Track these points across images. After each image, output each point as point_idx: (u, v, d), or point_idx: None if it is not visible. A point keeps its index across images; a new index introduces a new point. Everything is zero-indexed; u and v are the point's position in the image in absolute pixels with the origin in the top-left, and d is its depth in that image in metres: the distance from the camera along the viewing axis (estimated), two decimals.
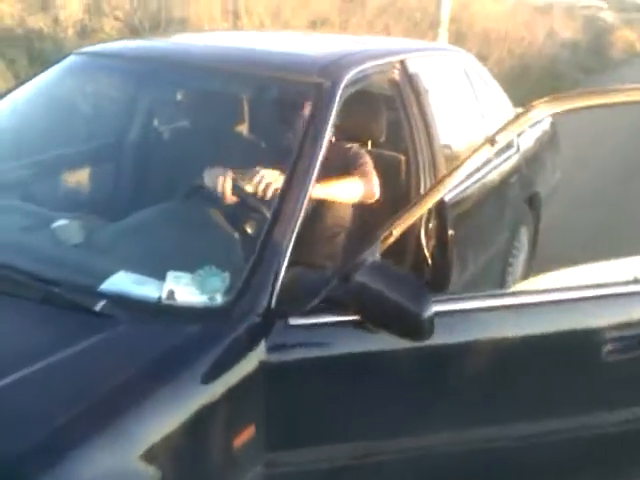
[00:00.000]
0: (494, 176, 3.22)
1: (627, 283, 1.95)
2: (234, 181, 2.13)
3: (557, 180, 4.38)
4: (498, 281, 3.50)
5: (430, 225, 2.62)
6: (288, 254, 1.76)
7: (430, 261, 2.66)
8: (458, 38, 9.94)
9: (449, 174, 1.86)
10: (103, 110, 2.75)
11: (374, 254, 1.73)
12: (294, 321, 1.70)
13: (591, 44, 17.58)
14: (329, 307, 1.71)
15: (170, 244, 1.93)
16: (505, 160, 3.39)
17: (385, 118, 2.71)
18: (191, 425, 1.52)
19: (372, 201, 2.41)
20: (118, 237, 1.99)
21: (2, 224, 2.12)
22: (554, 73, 11.56)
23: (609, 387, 1.93)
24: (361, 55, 2.46)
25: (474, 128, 3.09)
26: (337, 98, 2.15)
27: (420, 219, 2.60)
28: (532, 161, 3.75)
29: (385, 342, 1.70)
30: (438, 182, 1.87)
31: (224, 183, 2.13)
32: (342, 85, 2.19)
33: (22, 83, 2.68)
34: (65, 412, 1.39)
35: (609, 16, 25.59)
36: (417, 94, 2.67)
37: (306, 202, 1.87)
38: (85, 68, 2.61)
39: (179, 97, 2.68)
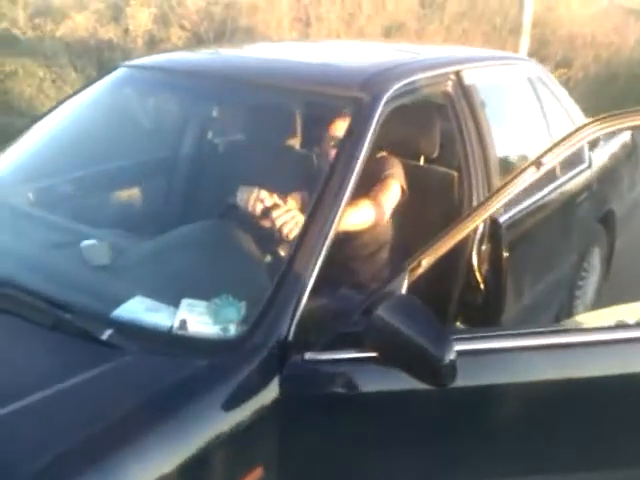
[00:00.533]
0: (560, 193, 3.00)
1: None
2: (264, 200, 2.03)
3: (637, 195, 4.08)
4: (565, 305, 3.27)
5: (483, 247, 2.46)
6: (310, 285, 1.64)
7: (483, 285, 2.49)
8: (542, 43, 9.58)
9: (484, 203, 1.70)
10: (148, 124, 2.71)
11: (399, 287, 1.59)
12: (311, 356, 1.58)
13: None
14: (349, 342, 1.59)
15: (192, 268, 1.85)
16: (574, 176, 3.17)
17: (438, 133, 2.57)
18: (194, 465, 1.42)
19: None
20: (142, 259, 1.93)
21: (35, 240, 2.08)
22: None
23: None
24: (409, 67, 2.31)
25: (537, 143, 2.88)
26: (377, 114, 2.01)
27: (472, 241, 2.44)
28: (607, 176, 3.50)
29: (408, 382, 1.55)
30: (472, 211, 1.70)
31: (254, 203, 2.04)
32: (383, 100, 2.06)
33: (73, 94, 2.67)
34: (60, 444, 1.33)
35: None
36: (472, 107, 2.50)
37: (334, 227, 1.74)
38: (132, 80, 2.58)
39: (217, 112, 2.61)
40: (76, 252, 1.95)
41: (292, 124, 2.42)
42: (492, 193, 1.70)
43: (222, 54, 2.68)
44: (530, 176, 1.70)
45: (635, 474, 1.73)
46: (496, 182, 2.49)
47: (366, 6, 7.38)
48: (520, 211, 2.69)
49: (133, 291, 1.73)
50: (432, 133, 2.56)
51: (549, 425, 1.67)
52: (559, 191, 3.00)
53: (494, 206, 1.69)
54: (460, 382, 1.54)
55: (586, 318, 1.90)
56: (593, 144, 3.46)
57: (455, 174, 2.55)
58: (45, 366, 1.54)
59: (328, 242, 1.71)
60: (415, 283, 2.49)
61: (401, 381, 1.55)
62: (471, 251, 2.44)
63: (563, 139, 1.72)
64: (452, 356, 1.42)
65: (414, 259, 1.65)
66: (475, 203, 2.44)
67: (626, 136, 4.12)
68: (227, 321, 1.62)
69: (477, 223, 1.69)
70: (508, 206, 2.60)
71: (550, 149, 1.71)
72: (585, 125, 1.73)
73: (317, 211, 1.76)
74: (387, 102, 2.08)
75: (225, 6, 6.36)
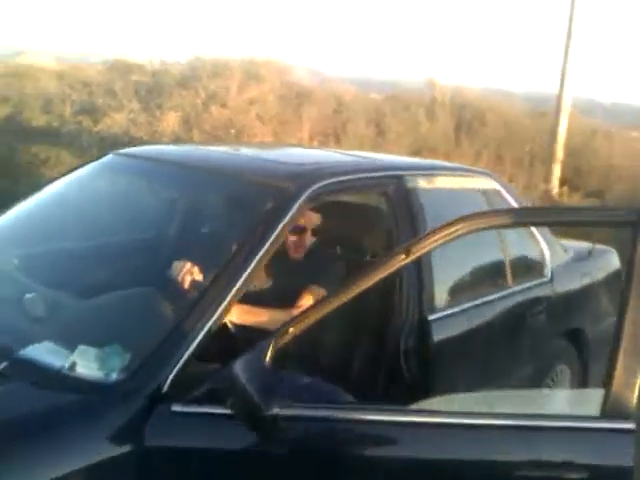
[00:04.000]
0: (510, 302, 3.10)
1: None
2: (193, 274, 2.27)
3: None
4: None
5: (410, 340, 2.59)
6: (192, 347, 1.84)
7: (407, 374, 2.60)
8: (575, 172, 9.78)
9: (350, 284, 1.86)
10: (128, 206, 3.01)
11: (262, 351, 1.74)
12: (177, 408, 1.75)
13: None
14: (214, 398, 1.74)
15: (98, 322, 2.08)
16: (530, 288, 3.27)
17: (383, 232, 2.77)
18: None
19: None
20: (66, 315, 2.17)
21: None
22: None
23: None
24: (343, 167, 2.58)
25: (480, 249, 3.03)
26: (298, 202, 2.24)
27: (400, 333, 2.59)
28: (574, 294, 3.57)
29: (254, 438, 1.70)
30: (337, 292, 1.86)
31: (184, 275, 2.28)
32: (307, 192, 2.28)
33: (65, 174, 3.01)
34: None
35: None
36: (411, 210, 2.70)
37: (228, 302, 1.94)
38: (118, 166, 2.91)
39: (181, 195, 2.94)
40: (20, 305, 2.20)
41: (235, 208, 2.68)
42: (359, 275, 1.86)
43: (197, 148, 3.01)
44: (399, 262, 1.87)
45: None
46: (428, 279, 2.66)
47: (395, 126, 7.82)
48: (458, 313, 2.82)
49: (47, 337, 1.95)
50: (376, 231, 2.77)
51: None
52: (509, 300, 3.11)
53: (362, 287, 1.86)
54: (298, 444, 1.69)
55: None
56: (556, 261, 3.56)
57: None
58: None
59: (217, 315, 1.90)
60: (345, 366, 2.65)
61: (249, 437, 1.69)
62: (399, 343, 2.58)
63: (432, 232, 1.89)
64: (274, 411, 1.56)
65: (283, 327, 1.81)
66: (405, 292, 2.60)
67: (612, 258, 4.17)
68: (111, 368, 1.81)
69: (342, 301, 1.84)
70: (444, 306, 2.75)
71: (419, 240, 1.89)
72: (455, 221, 1.90)
73: (211, 287, 1.99)
74: (312, 194, 2.30)
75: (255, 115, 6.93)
